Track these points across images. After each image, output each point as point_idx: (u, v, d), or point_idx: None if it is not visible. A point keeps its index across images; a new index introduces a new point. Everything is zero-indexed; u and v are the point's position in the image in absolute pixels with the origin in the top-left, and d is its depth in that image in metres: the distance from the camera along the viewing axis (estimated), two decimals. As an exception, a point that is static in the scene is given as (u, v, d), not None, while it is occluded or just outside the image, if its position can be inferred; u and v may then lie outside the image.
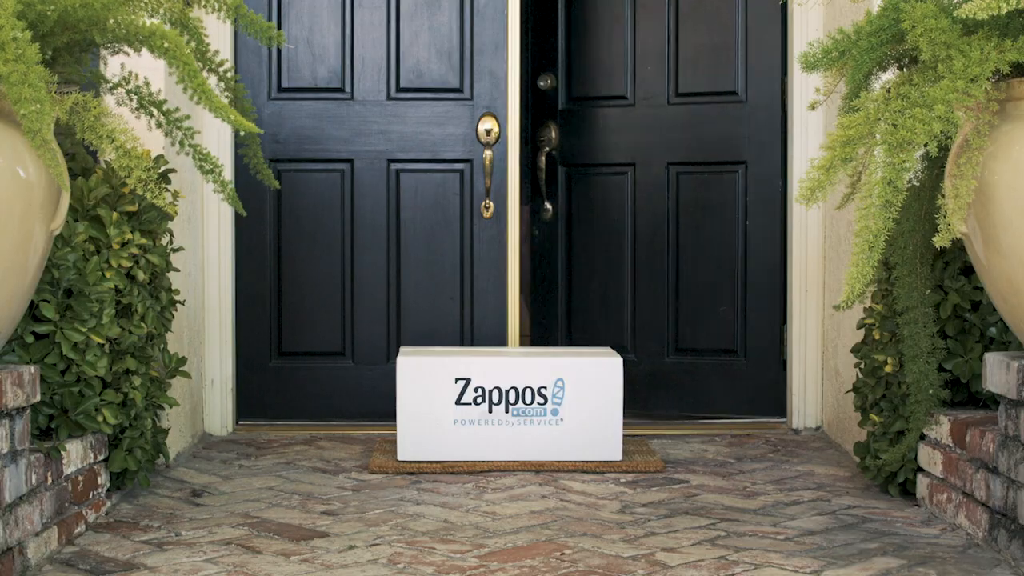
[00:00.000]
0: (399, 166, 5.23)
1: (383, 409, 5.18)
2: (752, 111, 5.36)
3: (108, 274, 3.69)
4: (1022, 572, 3.14)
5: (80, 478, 3.56)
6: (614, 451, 4.41)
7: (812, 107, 3.59)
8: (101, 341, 3.57)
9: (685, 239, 5.44)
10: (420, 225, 5.21)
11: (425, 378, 4.42)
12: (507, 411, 4.41)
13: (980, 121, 3.03)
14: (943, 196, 3.09)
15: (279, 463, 4.51)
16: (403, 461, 4.40)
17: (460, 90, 5.22)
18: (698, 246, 5.42)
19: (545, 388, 4.41)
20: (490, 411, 4.42)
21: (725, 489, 4.12)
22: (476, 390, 4.41)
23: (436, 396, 4.41)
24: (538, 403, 4.41)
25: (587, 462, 4.40)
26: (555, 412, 4.42)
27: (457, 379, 4.41)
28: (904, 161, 3.00)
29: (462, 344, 5.20)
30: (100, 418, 3.62)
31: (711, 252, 5.40)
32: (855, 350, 4.16)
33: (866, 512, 3.80)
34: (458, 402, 4.41)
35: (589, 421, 4.41)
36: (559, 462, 4.40)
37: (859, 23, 3.30)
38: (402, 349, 4.66)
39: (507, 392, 4.42)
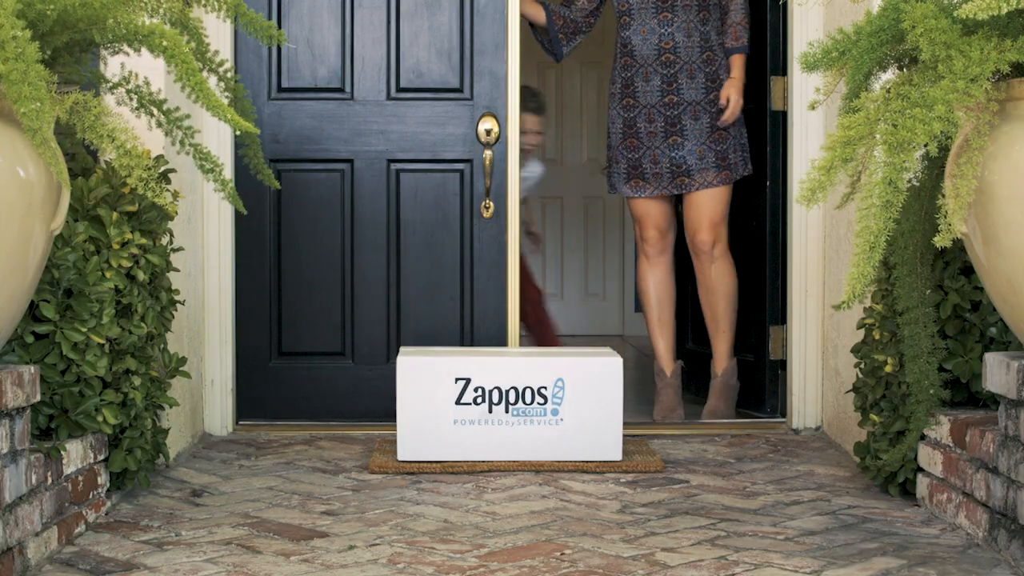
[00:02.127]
0: (399, 166, 5.23)
1: (383, 409, 5.17)
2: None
3: (108, 274, 3.69)
4: (1022, 572, 3.13)
5: (80, 478, 3.56)
6: (614, 451, 4.41)
7: (812, 107, 3.59)
8: (101, 341, 3.57)
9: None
10: (420, 225, 5.21)
11: (425, 378, 4.41)
12: (507, 411, 4.41)
13: (980, 121, 3.03)
14: (943, 196, 3.09)
15: (279, 463, 4.51)
16: (403, 461, 4.40)
17: (460, 90, 5.21)
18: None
19: (545, 388, 4.41)
20: (490, 411, 4.41)
21: (725, 489, 4.12)
22: (476, 390, 4.41)
23: (436, 396, 4.40)
24: (538, 403, 4.41)
25: (587, 462, 4.40)
26: (555, 412, 4.41)
27: (457, 379, 4.40)
28: (904, 161, 3.00)
29: (462, 344, 5.20)
30: (100, 418, 3.62)
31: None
32: (855, 350, 4.16)
33: (866, 512, 3.80)
34: (458, 402, 4.40)
35: (589, 421, 4.40)
36: (559, 462, 4.40)
37: (859, 23, 3.30)
38: (402, 349, 4.66)
39: (507, 392, 4.41)
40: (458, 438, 4.40)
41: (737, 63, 5.31)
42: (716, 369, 5.45)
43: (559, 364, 4.43)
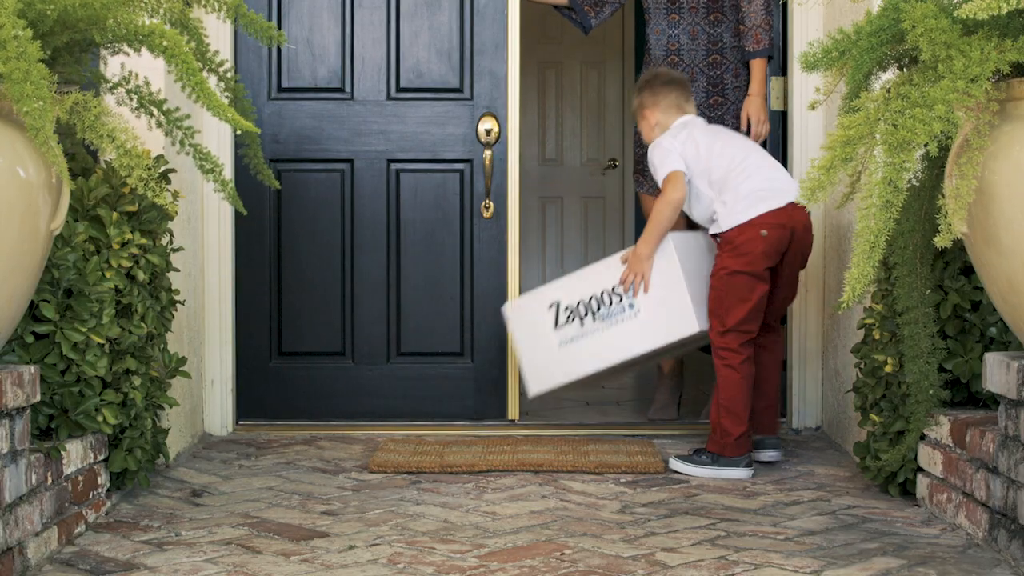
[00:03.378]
0: (399, 166, 5.23)
1: (383, 409, 5.18)
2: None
3: (108, 274, 3.69)
4: (1022, 572, 3.13)
5: (80, 478, 3.56)
6: (689, 324, 4.42)
7: (812, 107, 3.59)
8: (101, 341, 3.57)
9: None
10: (420, 225, 5.21)
11: (527, 315, 4.69)
12: (594, 319, 4.57)
13: (980, 121, 3.03)
14: (943, 196, 3.09)
15: (279, 463, 4.51)
16: (534, 396, 4.70)
17: (460, 90, 5.21)
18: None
19: (616, 286, 4.53)
20: (582, 324, 4.58)
21: (725, 489, 4.12)
22: (566, 309, 4.61)
23: (539, 328, 4.65)
24: (616, 302, 4.52)
25: (671, 344, 4.49)
26: (632, 306, 4.50)
27: (550, 306, 4.64)
28: (904, 161, 3.00)
29: (461, 344, 5.21)
30: (100, 418, 3.62)
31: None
32: (855, 350, 4.16)
33: (866, 512, 3.80)
34: (556, 326, 4.62)
35: (659, 303, 4.46)
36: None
37: (859, 23, 3.30)
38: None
39: (590, 302, 4.57)
40: (568, 357, 4.60)
41: (757, 70, 5.10)
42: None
43: (618, 262, 4.55)
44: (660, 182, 4.47)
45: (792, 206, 4.33)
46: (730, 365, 4.34)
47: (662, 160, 4.45)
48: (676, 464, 4.38)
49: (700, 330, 4.41)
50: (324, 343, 5.22)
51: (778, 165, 4.50)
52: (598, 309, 4.56)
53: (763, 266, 4.33)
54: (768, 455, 4.48)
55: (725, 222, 4.36)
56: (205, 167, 3.32)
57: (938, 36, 2.97)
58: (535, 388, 4.68)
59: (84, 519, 3.58)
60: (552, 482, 4.21)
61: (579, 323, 4.58)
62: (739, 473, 4.29)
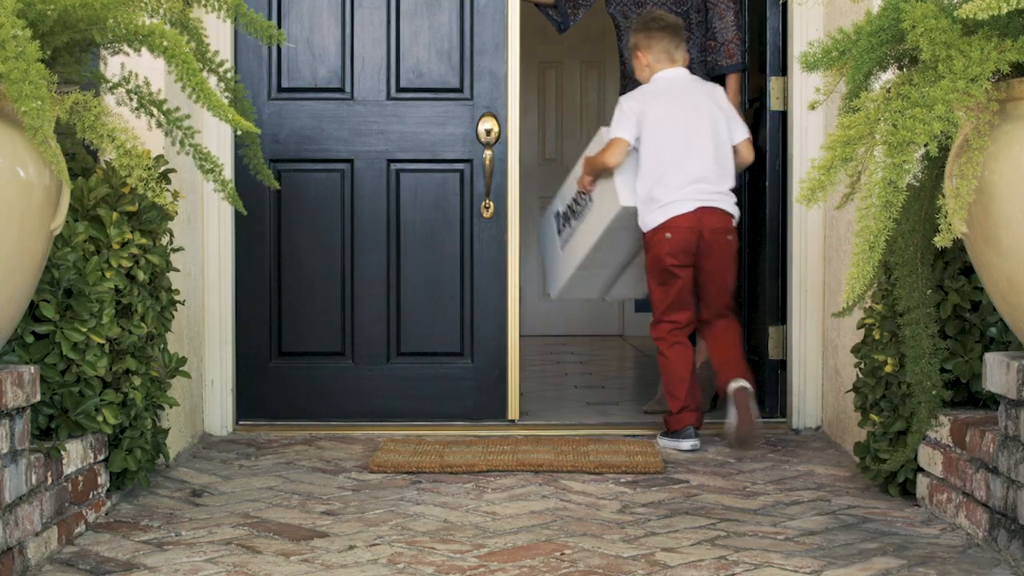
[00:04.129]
0: (399, 166, 5.23)
1: (383, 409, 5.18)
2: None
3: (108, 274, 3.69)
4: (1022, 572, 3.14)
5: (80, 478, 3.56)
6: (615, 201, 4.85)
7: (812, 107, 3.59)
8: (101, 341, 3.57)
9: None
10: (420, 225, 5.21)
11: (545, 227, 5.27)
12: (576, 217, 5.06)
13: (980, 121, 3.03)
14: (943, 196, 3.09)
15: (279, 463, 4.51)
16: (554, 298, 5.28)
17: (460, 90, 5.21)
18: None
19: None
20: (569, 225, 5.09)
21: (725, 489, 4.12)
22: (562, 216, 5.14)
23: (549, 236, 5.20)
24: (584, 200, 5.03)
25: (613, 225, 4.90)
26: (591, 199, 5.00)
27: (555, 215, 5.19)
28: (904, 161, 3.00)
29: (461, 344, 5.21)
30: (100, 418, 3.62)
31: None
32: (855, 350, 4.16)
33: (866, 512, 3.80)
34: (559, 232, 5.15)
35: (602, 188, 4.94)
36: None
37: (859, 23, 3.30)
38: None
39: (572, 203, 5.09)
40: (565, 256, 5.09)
41: (732, 84, 5.32)
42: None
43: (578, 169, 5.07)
44: (609, 136, 4.93)
45: (702, 210, 4.78)
46: (662, 353, 4.89)
47: (616, 123, 4.91)
48: (657, 441, 4.89)
49: (623, 206, 4.81)
50: (324, 343, 5.22)
51: (705, 172, 4.81)
52: (576, 208, 5.05)
53: (670, 263, 4.79)
54: (734, 384, 4.75)
55: (643, 225, 4.86)
56: (205, 167, 3.32)
57: (938, 36, 2.97)
58: (551, 291, 5.25)
59: (84, 519, 3.58)
60: (552, 482, 4.21)
61: (569, 226, 5.09)
62: (681, 443, 4.77)
